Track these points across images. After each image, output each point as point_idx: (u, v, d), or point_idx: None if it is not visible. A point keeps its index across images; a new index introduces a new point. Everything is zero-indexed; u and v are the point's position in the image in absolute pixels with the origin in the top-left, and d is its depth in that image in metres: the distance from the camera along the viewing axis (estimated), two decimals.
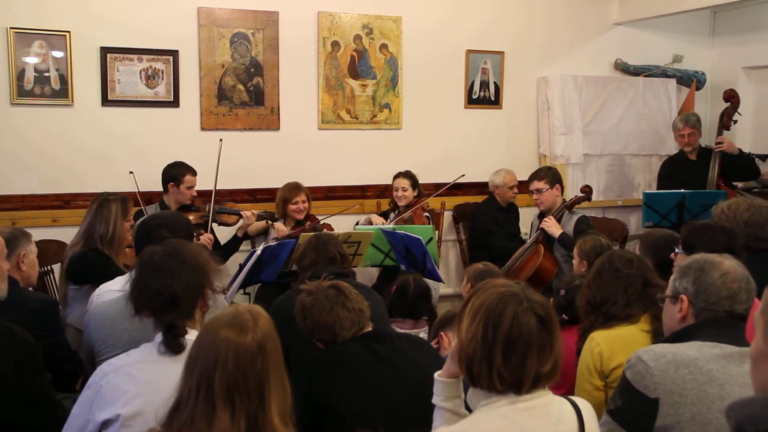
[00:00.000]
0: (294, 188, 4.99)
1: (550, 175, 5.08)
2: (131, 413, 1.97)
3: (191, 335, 2.08)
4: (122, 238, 3.78)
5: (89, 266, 3.65)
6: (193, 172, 4.75)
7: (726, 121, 5.69)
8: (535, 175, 5.17)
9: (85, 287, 3.66)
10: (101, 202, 3.79)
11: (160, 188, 4.78)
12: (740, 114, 5.75)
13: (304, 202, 4.98)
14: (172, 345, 2.07)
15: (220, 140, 4.80)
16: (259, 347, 1.67)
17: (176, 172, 4.72)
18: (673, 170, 5.80)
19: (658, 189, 5.87)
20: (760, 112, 6.51)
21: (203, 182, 4.81)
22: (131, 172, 4.58)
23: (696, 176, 5.55)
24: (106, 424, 1.98)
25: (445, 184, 5.62)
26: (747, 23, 6.42)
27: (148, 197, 4.85)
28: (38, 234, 3.98)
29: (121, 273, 3.61)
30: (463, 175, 5.56)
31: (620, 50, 6.50)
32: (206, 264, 2.25)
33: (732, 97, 5.69)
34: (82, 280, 3.68)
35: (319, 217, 5.07)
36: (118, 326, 2.54)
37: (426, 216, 5.34)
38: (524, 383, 1.69)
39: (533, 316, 1.71)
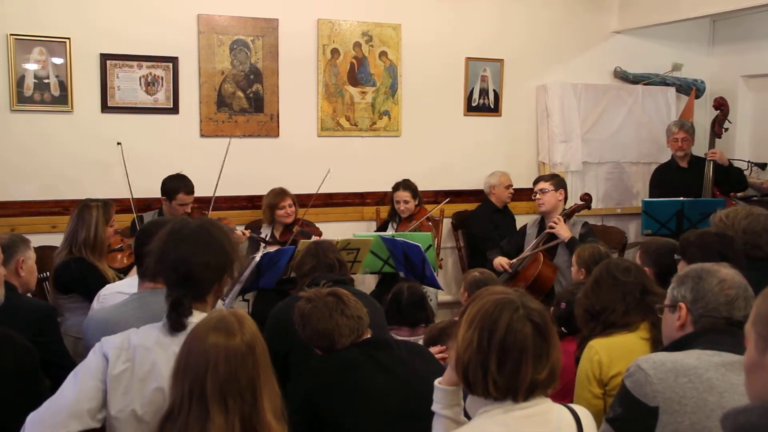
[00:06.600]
0: (279, 193, 5.02)
1: (556, 179, 5.11)
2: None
3: (197, 317, 1.99)
4: (104, 242, 3.79)
5: (73, 276, 3.65)
6: (188, 191, 4.71)
7: (717, 129, 5.72)
8: (542, 177, 5.22)
9: (72, 296, 3.66)
10: (82, 207, 3.80)
11: (158, 194, 4.79)
12: (730, 122, 5.78)
13: (291, 206, 5.00)
14: (174, 323, 2.00)
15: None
16: (249, 348, 1.68)
17: (171, 188, 4.70)
18: (663, 179, 5.82)
19: (649, 197, 5.87)
20: (759, 120, 6.52)
21: (202, 190, 4.82)
22: (119, 143, 4.63)
23: (687, 184, 5.56)
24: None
25: (444, 191, 5.62)
26: (746, 32, 6.44)
27: (147, 203, 4.86)
28: (37, 240, 3.99)
29: (106, 280, 3.59)
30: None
31: (619, 58, 6.52)
32: (232, 250, 2.17)
33: (722, 105, 5.73)
34: (68, 289, 3.68)
35: (316, 224, 5.10)
36: (118, 333, 2.52)
37: (430, 224, 5.34)
38: (519, 390, 1.69)
39: (529, 323, 1.71)
